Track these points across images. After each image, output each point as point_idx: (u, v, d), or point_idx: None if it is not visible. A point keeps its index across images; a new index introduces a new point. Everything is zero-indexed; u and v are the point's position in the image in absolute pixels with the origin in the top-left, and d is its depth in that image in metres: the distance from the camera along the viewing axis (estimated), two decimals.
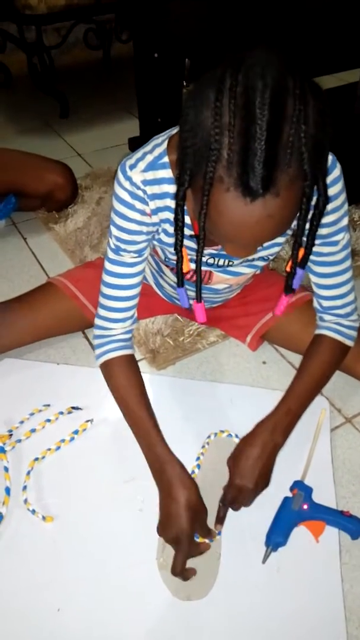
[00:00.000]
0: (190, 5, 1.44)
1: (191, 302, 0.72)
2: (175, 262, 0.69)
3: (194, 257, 0.83)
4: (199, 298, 0.69)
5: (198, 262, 0.63)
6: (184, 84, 2.29)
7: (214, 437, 0.95)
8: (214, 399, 1.03)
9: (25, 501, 0.85)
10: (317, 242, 0.78)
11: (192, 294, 0.81)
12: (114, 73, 2.51)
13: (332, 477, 0.90)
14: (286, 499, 0.84)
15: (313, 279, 0.85)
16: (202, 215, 0.54)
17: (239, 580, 0.77)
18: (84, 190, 1.62)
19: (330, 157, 0.71)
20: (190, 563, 0.75)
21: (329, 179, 0.71)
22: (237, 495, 0.80)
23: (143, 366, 1.10)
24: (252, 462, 0.80)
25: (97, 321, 0.86)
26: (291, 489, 0.86)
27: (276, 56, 0.51)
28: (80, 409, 0.99)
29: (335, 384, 1.05)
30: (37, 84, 2.19)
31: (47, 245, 1.43)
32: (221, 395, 1.03)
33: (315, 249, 0.80)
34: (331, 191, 0.72)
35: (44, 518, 0.83)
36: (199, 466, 0.90)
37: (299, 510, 0.82)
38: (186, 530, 0.73)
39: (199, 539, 0.78)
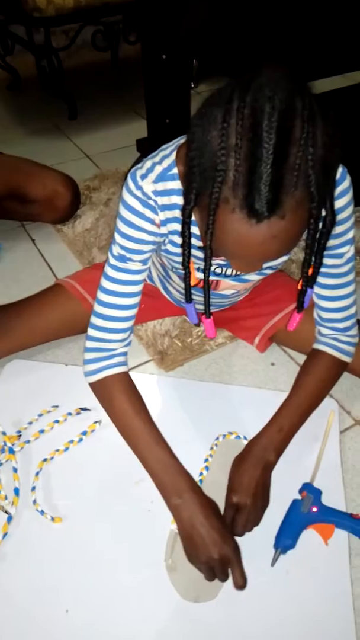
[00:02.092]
0: (197, 6, 1.44)
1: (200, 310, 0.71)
2: (182, 270, 0.68)
3: (201, 267, 0.83)
4: (207, 314, 0.68)
5: (206, 279, 0.63)
6: (192, 85, 2.29)
7: (223, 438, 0.95)
8: (222, 401, 1.03)
9: (34, 502, 0.85)
10: (332, 252, 0.78)
11: (200, 306, 0.80)
12: (121, 74, 2.52)
13: (342, 479, 0.89)
14: (295, 501, 0.83)
15: (315, 289, 0.84)
16: (209, 235, 0.55)
17: (247, 583, 0.77)
18: (92, 191, 1.63)
19: (340, 169, 0.70)
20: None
21: (337, 191, 0.71)
22: (235, 515, 0.77)
23: (151, 367, 1.10)
24: (247, 477, 0.78)
25: (92, 332, 0.81)
26: (300, 491, 0.85)
27: (284, 76, 0.51)
28: (88, 410, 0.99)
29: (344, 385, 1.04)
30: (46, 86, 2.20)
31: (55, 247, 1.44)
32: (229, 396, 1.03)
33: (333, 261, 0.80)
34: (339, 203, 0.72)
35: (52, 519, 0.83)
36: (207, 468, 0.90)
37: (308, 512, 0.81)
38: (231, 544, 0.72)
39: None
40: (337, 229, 0.75)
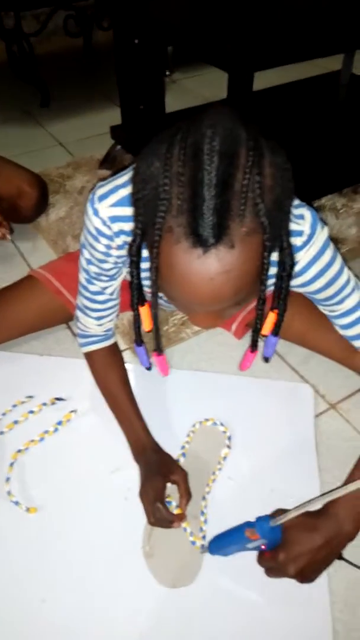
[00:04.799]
0: None
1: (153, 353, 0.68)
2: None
3: (166, 307, 0.82)
4: (159, 350, 0.66)
5: (155, 315, 0.60)
6: (168, 73, 2.27)
7: (199, 425, 0.95)
8: (198, 388, 1.03)
9: (9, 493, 0.84)
10: (326, 303, 0.78)
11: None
12: (95, 61, 2.47)
13: (316, 463, 0.90)
14: (248, 524, 0.70)
15: (341, 331, 0.84)
16: (154, 270, 0.51)
17: (223, 566, 0.77)
18: (65, 179, 1.60)
19: (310, 217, 0.67)
20: (176, 552, 0.75)
21: (306, 248, 0.68)
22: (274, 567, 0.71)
23: (127, 356, 1.09)
24: (307, 549, 0.69)
25: (77, 320, 0.88)
26: (256, 526, 0.68)
27: (229, 112, 0.50)
28: (63, 399, 0.98)
29: (319, 370, 1.06)
30: (17, 72, 2.16)
31: (28, 236, 1.41)
32: (206, 384, 1.03)
33: (329, 309, 0.80)
34: (307, 256, 0.69)
35: (27, 509, 0.82)
36: (184, 455, 0.90)
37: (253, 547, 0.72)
38: (159, 476, 0.77)
39: (175, 510, 0.79)
40: (322, 281, 0.72)
